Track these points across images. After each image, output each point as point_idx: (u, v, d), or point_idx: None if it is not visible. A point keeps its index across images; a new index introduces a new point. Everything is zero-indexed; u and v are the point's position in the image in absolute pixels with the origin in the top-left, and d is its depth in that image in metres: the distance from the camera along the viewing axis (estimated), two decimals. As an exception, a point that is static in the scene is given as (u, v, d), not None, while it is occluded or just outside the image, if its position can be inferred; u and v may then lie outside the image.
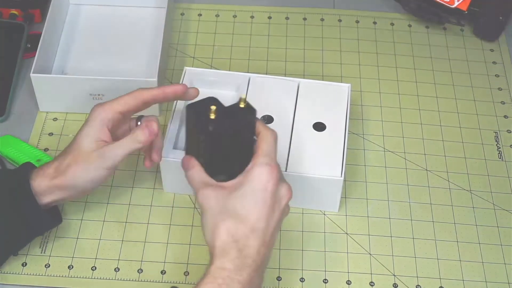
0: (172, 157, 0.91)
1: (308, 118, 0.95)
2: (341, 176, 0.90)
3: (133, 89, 0.99)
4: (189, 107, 0.79)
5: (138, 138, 0.84)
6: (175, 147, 0.92)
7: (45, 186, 0.84)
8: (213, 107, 0.76)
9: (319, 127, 0.94)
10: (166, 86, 0.87)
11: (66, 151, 0.86)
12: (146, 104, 0.87)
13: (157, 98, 0.87)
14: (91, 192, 0.89)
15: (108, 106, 0.86)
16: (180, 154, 0.91)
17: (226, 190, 0.77)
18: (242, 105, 0.78)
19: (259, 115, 0.94)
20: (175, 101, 0.95)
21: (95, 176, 0.84)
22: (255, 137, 0.80)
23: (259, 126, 0.80)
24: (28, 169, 0.86)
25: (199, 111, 0.77)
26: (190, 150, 0.82)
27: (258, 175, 0.76)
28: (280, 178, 0.78)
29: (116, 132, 0.88)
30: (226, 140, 0.78)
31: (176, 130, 0.93)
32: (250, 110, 0.79)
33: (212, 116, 0.76)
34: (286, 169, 0.90)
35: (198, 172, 0.80)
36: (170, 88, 0.87)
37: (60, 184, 0.84)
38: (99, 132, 0.85)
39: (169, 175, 0.93)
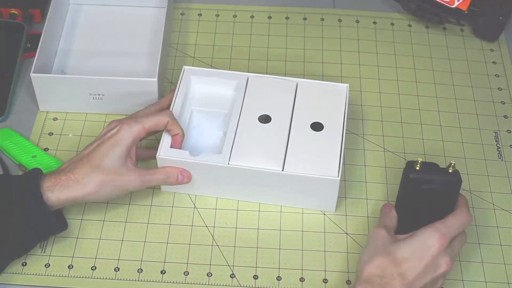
0: (169, 156, 0.91)
1: (306, 118, 0.95)
2: (337, 176, 0.90)
3: (134, 90, 0.99)
4: (409, 162, 0.86)
5: (169, 180, 0.91)
6: (172, 146, 0.92)
7: (63, 199, 0.86)
8: (420, 159, 0.84)
9: (317, 127, 0.94)
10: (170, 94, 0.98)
11: (88, 165, 0.87)
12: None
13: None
14: None
15: (138, 125, 0.89)
16: (177, 153, 0.91)
17: (396, 238, 0.85)
18: (450, 170, 0.85)
19: (257, 114, 0.95)
20: (173, 102, 0.95)
21: (123, 193, 0.90)
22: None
23: (461, 202, 0.86)
24: (38, 175, 0.86)
25: (411, 165, 0.85)
26: (397, 200, 0.90)
27: (428, 235, 0.82)
28: (446, 250, 0.83)
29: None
30: (422, 194, 0.85)
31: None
32: (455, 175, 0.84)
33: (417, 167, 0.84)
34: (283, 168, 0.90)
35: (392, 216, 0.88)
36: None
37: (81, 197, 0.87)
38: (130, 153, 0.89)
39: None
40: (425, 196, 0.85)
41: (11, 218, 0.84)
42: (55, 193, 0.85)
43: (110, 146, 0.88)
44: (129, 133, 0.88)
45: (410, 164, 0.85)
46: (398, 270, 0.81)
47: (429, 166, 0.85)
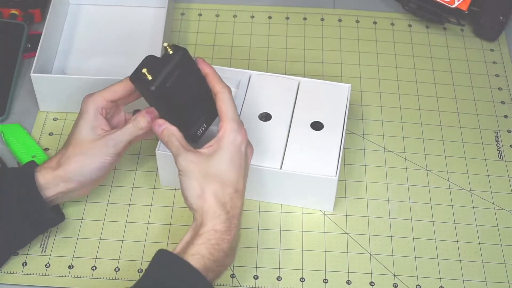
0: (168, 151, 0.91)
1: (306, 117, 0.95)
2: (335, 176, 0.90)
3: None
4: (132, 79, 0.83)
5: (139, 124, 0.86)
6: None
7: (50, 179, 0.85)
8: (144, 70, 0.80)
9: (317, 126, 0.95)
10: None
11: (66, 144, 0.87)
12: (136, 93, 0.89)
13: None
14: (93, 185, 0.90)
15: (98, 94, 0.88)
16: None
17: (204, 156, 0.82)
18: (171, 52, 0.82)
19: (258, 112, 0.95)
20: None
21: (100, 164, 0.86)
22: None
23: (213, 81, 0.85)
24: (32, 167, 0.87)
25: (139, 77, 0.81)
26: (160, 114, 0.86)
27: (233, 141, 0.82)
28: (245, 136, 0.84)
29: (111, 122, 0.90)
30: (176, 90, 0.82)
31: None
32: (179, 51, 0.82)
33: (150, 78, 0.80)
34: (281, 167, 0.90)
35: (177, 136, 0.83)
36: None
37: (64, 174, 0.85)
38: (95, 121, 0.87)
39: (165, 168, 0.94)
40: (178, 88, 0.82)
41: (4, 205, 0.84)
42: (42, 173, 0.85)
43: (76, 122, 0.87)
44: (90, 102, 0.87)
45: (139, 77, 0.81)
46: (232, 188, 0.81)
47: (152, 64, 0.81)
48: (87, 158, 0.86)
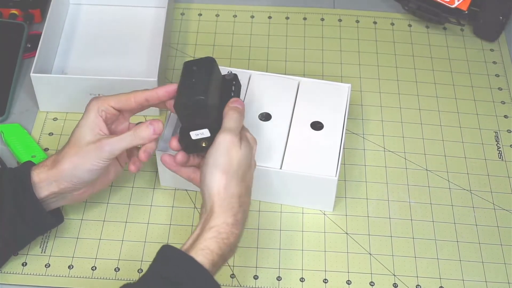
0: (169, 151, 0.91)
1: (306, 117, 0.95)
2: (335, 176, 0.90)
3: (133, 89, 0.99)
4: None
5: (141, 134, 0.85)
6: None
7: (44, 177, 0.84)
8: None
9: (317, 126, 0.95)
10: (159, 87, 0.87)
11: (66, 143, 0.86)
12: (140, 105, 0.88)
13: (151, 99, 0.87)
14: (89, 190, 0.89)
15: (102, 98, 0.87)
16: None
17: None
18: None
19: (258, 112, 0.95)
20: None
21: (91, 166, 0.84)
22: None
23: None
24: (29, 167, 0.86)
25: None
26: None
27: (222, 140, 0.82)
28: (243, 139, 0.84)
29: (115, 129, 0.89)
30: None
31: (173, 128, 0.94)
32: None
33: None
34: (281, 167, 0.90)
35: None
36: (162, 89, 0.87)
37: (57, 174, 0.84)
38: (94, 123, 0.85)
39: (165, 168, 0.93)
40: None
41: (1, 205, 0.83)
42: (37, 171, 0.85)
43: (78, 122, 0.86)
44: (92, 104, 0.86)
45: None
46: (246, 185, 0.82)
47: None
48: (80, 159, 0.84)
